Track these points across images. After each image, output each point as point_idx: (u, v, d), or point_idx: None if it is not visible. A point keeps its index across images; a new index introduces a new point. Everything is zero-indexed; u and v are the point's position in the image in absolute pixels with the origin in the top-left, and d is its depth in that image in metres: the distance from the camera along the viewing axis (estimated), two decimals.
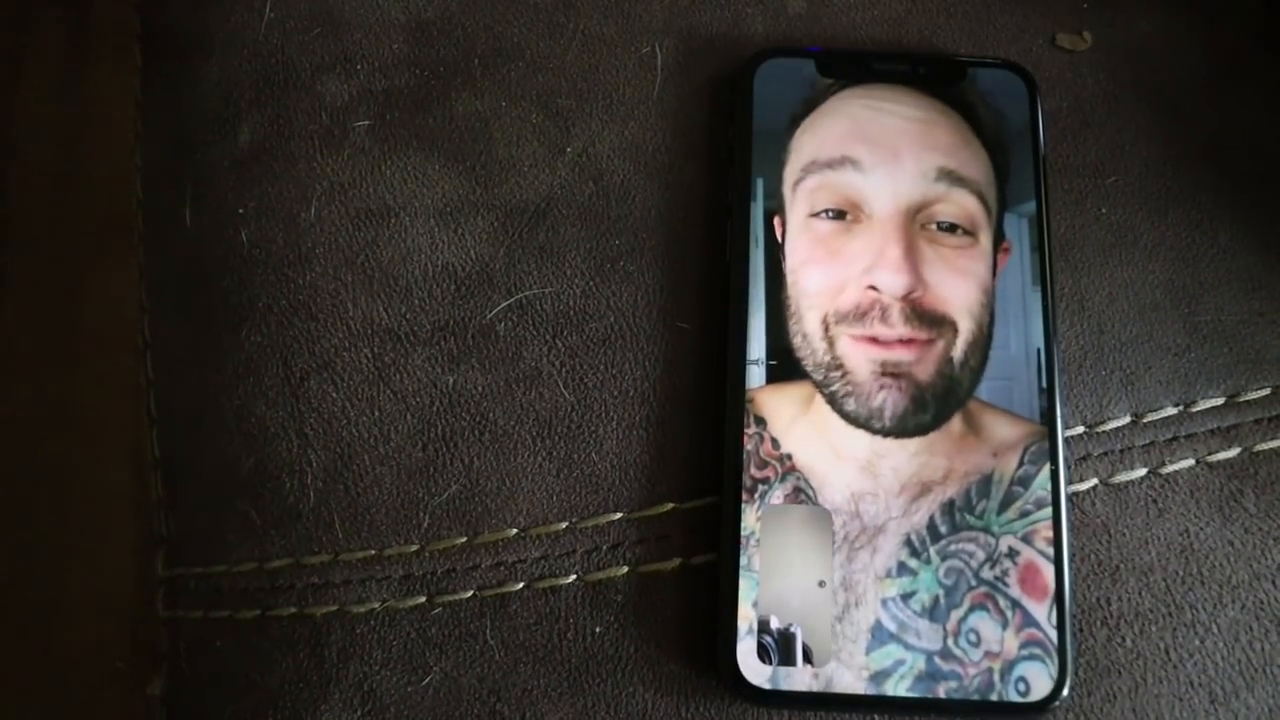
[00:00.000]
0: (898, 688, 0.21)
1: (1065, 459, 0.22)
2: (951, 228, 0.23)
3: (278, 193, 0.25)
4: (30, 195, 0.55)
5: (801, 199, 0.24)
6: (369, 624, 0.23)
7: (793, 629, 0.21)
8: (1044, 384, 0.22)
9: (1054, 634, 0.21)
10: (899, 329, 0.22)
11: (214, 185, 0.26)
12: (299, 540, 0.23)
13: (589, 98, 0.26)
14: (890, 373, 0.22)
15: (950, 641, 0.21)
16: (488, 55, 0.26)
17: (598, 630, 0.22)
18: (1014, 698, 0.20)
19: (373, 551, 0.23)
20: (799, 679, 0.21)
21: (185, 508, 0.25)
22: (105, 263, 0.53)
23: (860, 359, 0.22)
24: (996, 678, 0.21)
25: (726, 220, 0.24)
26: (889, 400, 0.22)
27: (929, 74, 0.25)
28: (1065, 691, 0.21)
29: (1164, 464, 0.23)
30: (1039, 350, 0.23)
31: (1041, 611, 0.21)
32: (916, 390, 0.22)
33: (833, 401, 0.22)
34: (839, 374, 0.22)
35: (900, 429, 0.22)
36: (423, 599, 0.23)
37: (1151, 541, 0.23)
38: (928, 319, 0.23)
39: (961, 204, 0.23)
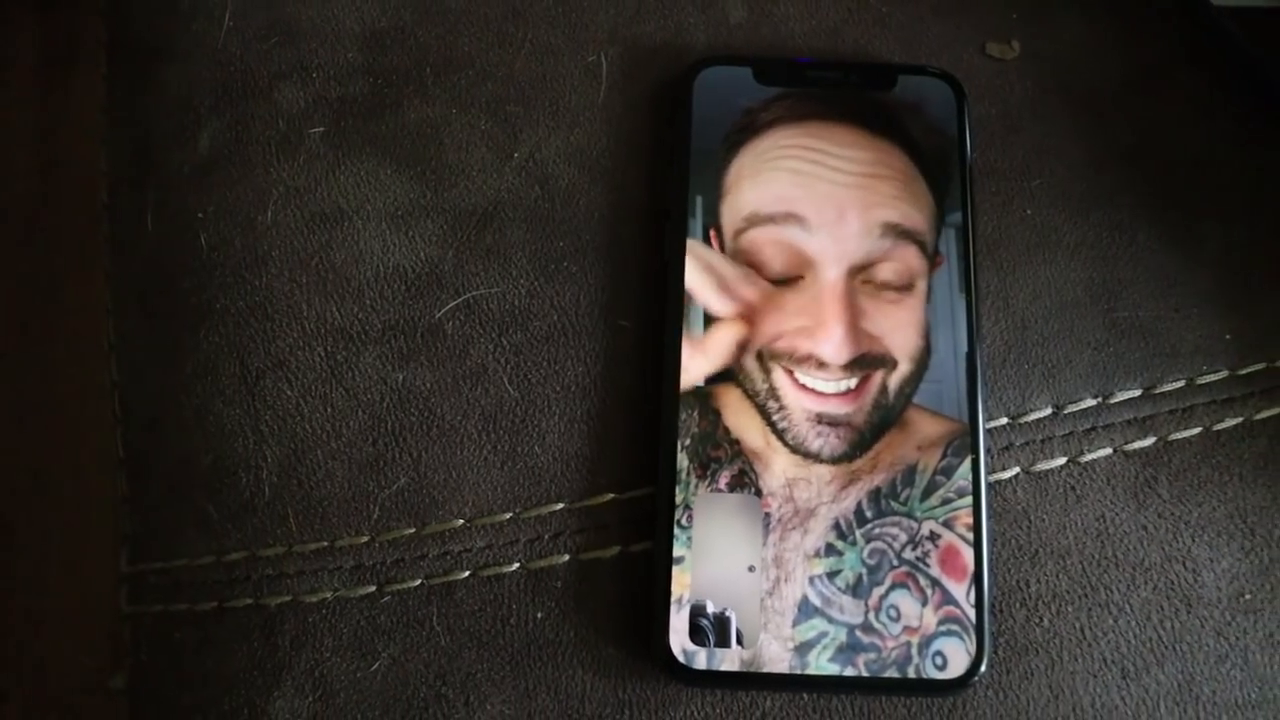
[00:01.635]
0: (820, 658, 0.22)
1: (987, 449, 0.24)
2: (892, 279, 0.24)
3: (236, 197, 0.26)
4: (10, 200, 0.56)
5: (743, 250, 0.24)
6: (321, 613, 0.23)
7: (728, 613, 0.22)
8: (967, 381, 0.23)
9: (972, 612, 0.22)
10: (837, 374, 0.23)
11: (175, 190, 0.27)
12: (254, 533, 0.24)
13: (536, 105, 0.27)
14: (827, 422, 0.23)
15: (871, 616, 0.22)
16: (439, 64, 0.27)
17: (539, 616, 0.23)
18: (931, 671, 0.22)
19: (325, 543, 0.24)
20: (728, 660, 0.22)
21: (148, 505, 0.26)
22: (82, 267, 0.54)
23: (796, 402, 0.23)
24: (914, 651, 0.22)
25: (665, 223, 0.25)
26: (826, 444, 0.23)
27: (860, 82, 0.26)
28: (983, 668, 0.22)
29: (1083, 453, 0.24)
30: (965, 350, 0.24)
31: (960, 590, 0.22)
32: (855, 434, 0.23)
33: (773, 428, 0.23)
34: (777, 405, 0.23)
35: (837, 461, 0.23)
36: (373, 588, 0.24)
37: (1069, 526, 0.24)
38: (865, 364, 0.23)
39: (904, 260, 0.24)
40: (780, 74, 0.26)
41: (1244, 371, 0.25)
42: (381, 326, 0.25)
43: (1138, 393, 0.25)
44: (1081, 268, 0.25)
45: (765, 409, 0.23)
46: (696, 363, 0.23)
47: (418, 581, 0.23)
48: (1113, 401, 0.24)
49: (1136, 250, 0.26)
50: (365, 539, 0.24)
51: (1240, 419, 0.24)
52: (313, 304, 0.25)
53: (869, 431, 0.23)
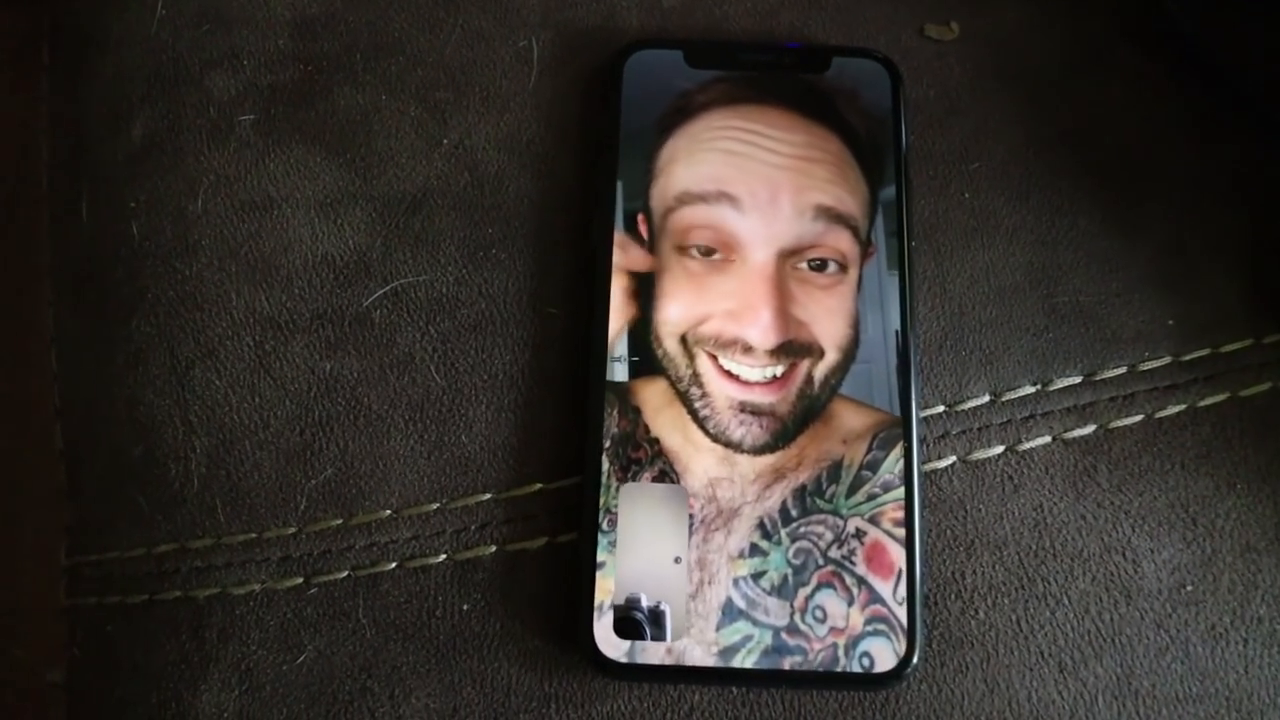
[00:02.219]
0: (745, 662, 0.21)
1: (921, 439, 0.23)
2: (823, 265, 0.23)
3: (167, 186, 0.26)
4: None
5: (673, 230, 0.24)
6: (248, 605, 0.23)
7: (662, 606, 0.22)
8: (900, 369, 0.23)
9: (899, 610, 0.21)
10: (762, 360, 0.23)
11: (108, 179, 0.27)
12: (184, 525, 0.24)
13: (466, 91, 0.26)
14: (750, 410, 0.22)
15: (797, 618, 0.21)
16: (369, 50, 0.27)
17: (465, 608, 0.23)
18: (858, 671, 0.21)
19: (253, 534, 0.24)
20: (653, 653, 0.21)
21: (84, 496, 0.25)
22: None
23: (720, 390, 0.23)
24: (841, 652, 0.21)
25: (594, 209, 0.25)
26: (749, 434, 0.22)
27: (793, 64, 0.25)
28: (915, 660, 0.21)
29: (1021, 441, 0.24)
30: (897, 338, 0.23)
31: (887, 589, 0.22)
32: (778, 424, 0.22)
33: (694, 416, 0.23)
34: (699, 392, 0.23)
35: (759, 452, 0.22)
36: (300, 580, 0.23)
37: (1006, 516, 0.23)
38: (792, 352, 0.23)
39: (836, 244, 0.23)
40: (711, 57, 0.25)
41: (1187, 357, 0.24)
42: (309, 315, 0.25)
43: (1078, 379, 0.24)
44: (1021, 252, 0.25)
45: (687, 396, 0.23)
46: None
47: (344, 573, 0.23)
48: (1052, 388, 0.24)
49: (1077, 234, 0.25)
50: (292, 530, 0.24)
51: (1183, 406, 0.24)
52: (242, 293, 0.25)
53: (792, 423, 0.22)
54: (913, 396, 0.23)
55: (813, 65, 0.25)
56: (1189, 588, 0.23)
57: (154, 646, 0.23)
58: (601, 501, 0.22)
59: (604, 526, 0.22)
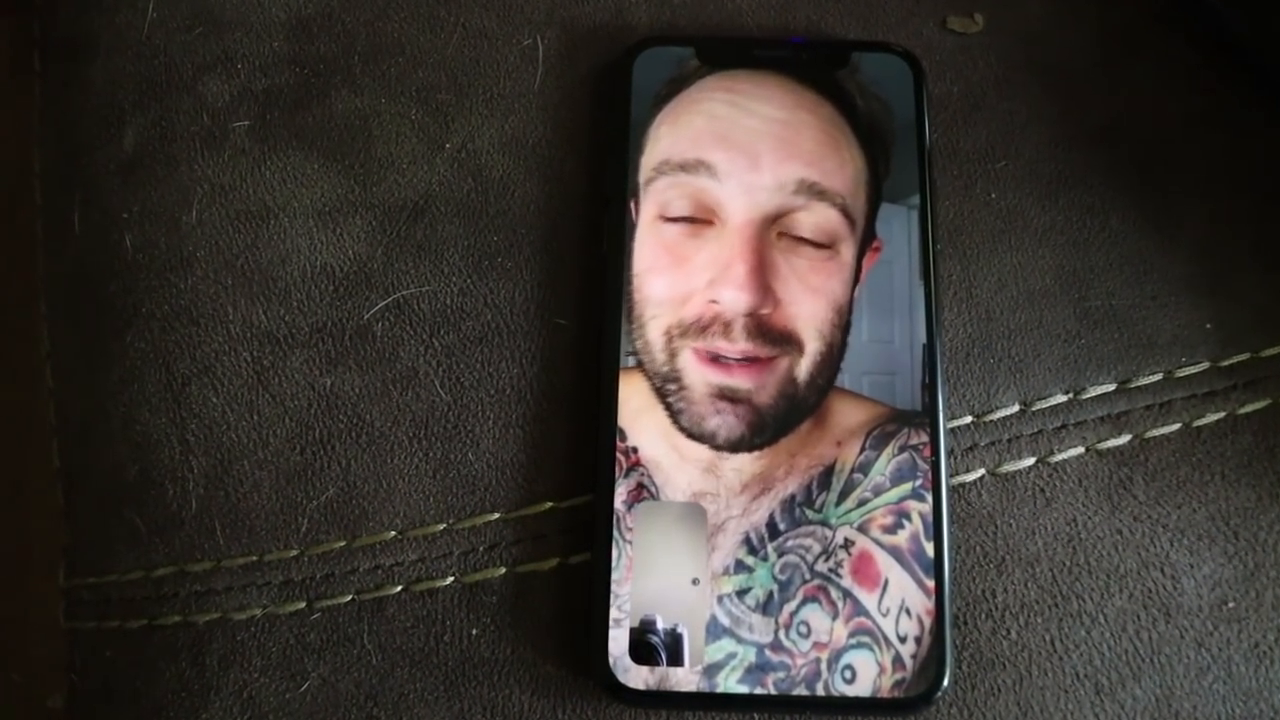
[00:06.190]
0: (728, 679, 0.20)
1: (949, 451, 0.22)
2: (809, 239, 0.22)
3: (160, 196, 0.25)
4: None
5: (652, 199, 0.23)
6: (249, 630, 0.22)
7: (680, 629, 0.21)
8: (926, 379, 0.22)
9: (884, 621, 0.20)
10: (740, 345, 0.22)
11: (100, 189, 0.26)
12: (182, 548, 0.23)
13: (469, 92, 0.25)
14: (727, 397, 0.22)
15: (781, 634, 0.21)
16: (367, 51, 0.26)
17: (474, 632, 0.22)
18: (840, 685, 0.20)
19: (254, 557, 0.23)
20: (670, 679, 0.20)
21: (81, 517, 0.25)
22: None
23: (698, 377, 0.22)
24: (823, 667, 0.20)
25: (604, 213, 0.24)
26: (723, 424, 0.21)
27: (811, 60, 0.24)
28: (945, 683, 0.20)
29: (1053, 452, 0.23)
30: (921, 343, 0.22)
31: (872, 601, 0.21)
32: (755, 415, 0.21)
33: (669, 412, 0.22)
34: (675, 386, 0.22)
35: (735, 448, 0.22)
36: (302, 604, 0.22)
37: (1038, 531, 0.22)
38: (772, 337, 0.22)
39: (821, 218, 0.22)
40: (724, 53, 0.24)
41: (1226, 363, 0.23)
42: (309, 329, 0.24)
43: (1112, 387, 0.23)
44: (1050, 254, 0.24)
45: (664, 393, 0.22)
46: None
47: (348, 597, 0.22)
48: (1085, 397, 0.23)
49: (1109, 234, 0.24)
50: (294, 553, 0.23)
51: (1222, 414, 0.23)
52: (239, 306, 0.24)
53: (772, 418, 0.21)
54: (939, 407, 0.22)
55: (831, 60, 0.24)
56: (1231, 604, 0.22)
57: (154, 673, 0.23)
58: (615, 520, 0.21)
59: (618, 546, 0.21)
